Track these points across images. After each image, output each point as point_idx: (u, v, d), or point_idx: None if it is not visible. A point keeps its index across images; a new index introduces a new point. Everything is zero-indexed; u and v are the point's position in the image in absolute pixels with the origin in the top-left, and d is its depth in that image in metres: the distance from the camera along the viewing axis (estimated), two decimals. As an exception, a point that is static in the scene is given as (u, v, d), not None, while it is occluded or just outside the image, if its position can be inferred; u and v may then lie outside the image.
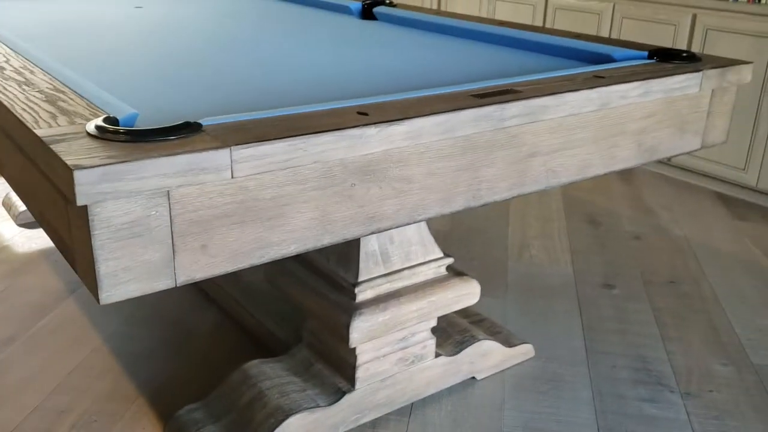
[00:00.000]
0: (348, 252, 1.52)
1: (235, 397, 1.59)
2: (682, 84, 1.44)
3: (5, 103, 1.08)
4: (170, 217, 0.92)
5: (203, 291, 2.18)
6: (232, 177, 0.94)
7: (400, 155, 1.11)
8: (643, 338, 2.04)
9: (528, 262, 2.49)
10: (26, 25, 2.00)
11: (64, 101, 1.10)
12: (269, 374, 1.62)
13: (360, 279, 1.50)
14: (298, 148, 0.98)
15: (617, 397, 1.78)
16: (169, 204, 0.91)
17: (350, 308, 1.47)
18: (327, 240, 1.08)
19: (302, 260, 1.63)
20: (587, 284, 2.35)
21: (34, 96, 1.12)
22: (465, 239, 2.65)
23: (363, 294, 1.50)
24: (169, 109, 1.20)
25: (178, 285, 0.96)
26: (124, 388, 1.75)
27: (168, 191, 0.90)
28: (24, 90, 1.16)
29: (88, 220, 0.86)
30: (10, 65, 1.33)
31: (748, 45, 2.89)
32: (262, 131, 0.98)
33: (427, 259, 1.59)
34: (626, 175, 3.40)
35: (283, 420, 1.48)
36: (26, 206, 1.15)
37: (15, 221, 2.65)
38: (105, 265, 0.89)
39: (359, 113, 1.09)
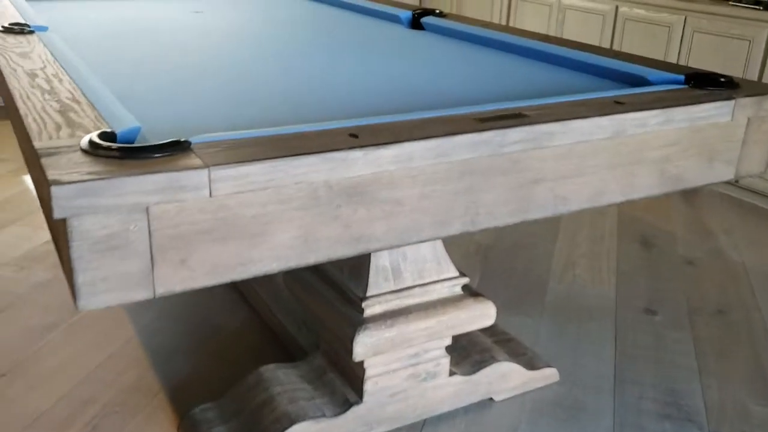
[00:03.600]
0: (359, 265, 1.53)
1: (247, 400, 1.63)
2: (710, 112, 1.37)
3: (21, 111, 1.15)
4: (149, 231, 0.95)
5: (237, 290, 2.24)
6: (211, 195, 0.96)
7: (390, 178, 1.11)
8: (678, 369, 1.97)
9: (570, 282, 2.43)
10: (82, 26, 2.11)
11: (75, 112, 1.16)
12: (282, 380, 1.65)
13: (369, 293, 1.51)
14: (278, 170, 1.00)
15: (640, 430, 1.72)
16: (148, 219, 0.95)
17: (356, 322, 1.49)
18: (312, 259, 1.09)
19: (318, 269, 1.65)
20: (628, 308, 2.27)
21: (51, 106, 1.18)
22: (508, 254, 2.61)
23: (371, 309, 1.51)
24: (186, 122, 1.24)
25: (156, 296, 0.99)
26: (148, 381, 1.83)
27: (147, 207, 0.94)
28: (45, 99, 1.22)
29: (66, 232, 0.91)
30: (44, 72, 1.41)
31: (827, 64, 2.72)
32: (245, 152, 1.01)
33: (440, 277, 1.58)
34: (689, 194, 3.26)
35: (287, 427, 1.51)
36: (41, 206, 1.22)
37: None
38: (83, 275, 0.93)
39: (351, 135, 1.10)
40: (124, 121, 1.12)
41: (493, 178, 1.21)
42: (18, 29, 1.80)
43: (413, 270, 1.56)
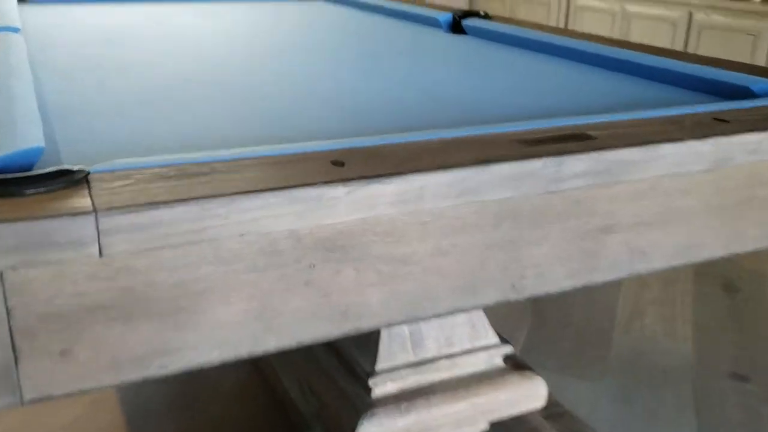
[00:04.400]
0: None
1: (227, 492, 1.29)
2: None
3: None
4: (6, 309, 0.62)
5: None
6: (101, 255, 0.63)
7: (390, 225, 0.76)
8: (780, 459, 1.55)
9: (638, 335, 2.03)
10: (70, 31, 1.83)
11: (-36, 127, 0.85)
12: (272, 466, 1.31)
13: (379, 367, 1.15)
14: (213, 215, 0.66)
15: None
16: (4, 291, 0.62)
17: (361, 405, 1.13)
18: (272, 343, 0.75)
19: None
20: (711, 372, 1.86)
21: (-63, 118, 0.88)
22: (564, 299, 2.22)
23: (381, 387, 1.15)
24: (128, 143, 0.93)
25: (25, 403, 0.66)
26: (120, 453, 1.51)
27: (0, 273, 0.61)
28: (-61, 109, 0.92)
29: None
30: (-31, 77, 1.11)
31: None
32: (163, 187, 0.67)
33: (475, 345, 1.22)
34: (778, 229, 2.81)
35: None
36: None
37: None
38: None
39: (334, 163, 0.75)
40: (17, 140, 0.79)
41: (545, 225, 0.84)
42: (-22, 29, 1.52)
43: (439, 336, 1.20)
